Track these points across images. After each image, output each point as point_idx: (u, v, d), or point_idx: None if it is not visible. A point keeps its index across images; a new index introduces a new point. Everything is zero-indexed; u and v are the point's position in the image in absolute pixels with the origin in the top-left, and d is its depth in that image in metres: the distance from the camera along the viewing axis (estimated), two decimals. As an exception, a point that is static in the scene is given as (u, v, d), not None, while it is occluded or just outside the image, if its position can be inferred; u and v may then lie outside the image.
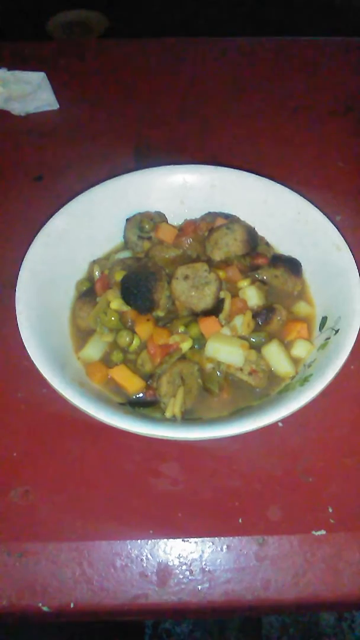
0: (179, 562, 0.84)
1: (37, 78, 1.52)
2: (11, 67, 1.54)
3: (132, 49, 1.69)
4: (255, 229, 1.10)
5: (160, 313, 0.99)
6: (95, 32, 3.28)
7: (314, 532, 0.85)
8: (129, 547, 0.84)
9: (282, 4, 3.33)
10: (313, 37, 1.74)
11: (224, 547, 0.84)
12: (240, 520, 0.86)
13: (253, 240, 1.07)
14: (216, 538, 0.85)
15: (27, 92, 1.50)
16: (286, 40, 1.73)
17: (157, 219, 1.10)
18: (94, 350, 0.97)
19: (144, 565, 0.84)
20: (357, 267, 0.96)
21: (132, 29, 3.13)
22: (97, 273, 1.05)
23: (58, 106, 1.50)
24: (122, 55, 1.67)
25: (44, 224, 1.02)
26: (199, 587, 0.83)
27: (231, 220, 1.09)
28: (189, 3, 3.34)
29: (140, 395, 0.94)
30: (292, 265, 1.05)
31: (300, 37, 1.74)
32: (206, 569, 0.83)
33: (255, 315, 0.98)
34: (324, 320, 0.98)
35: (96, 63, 1.64)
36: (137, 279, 0.97)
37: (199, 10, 3.33)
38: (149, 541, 0.85)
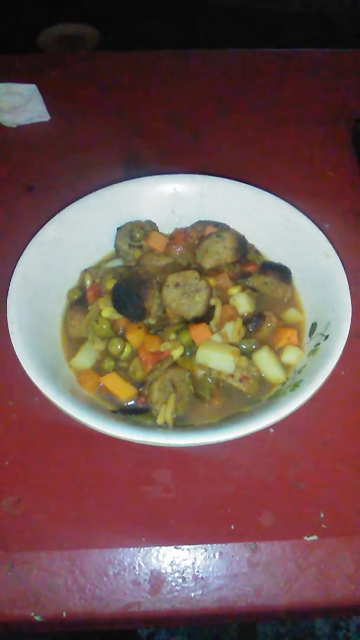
0: (172, 569, 0.84)
1: (29, 90, 1.53)
2: (2, 78, 1.55)
3: (122, 61, 1.70)
4: (245, 236, 1.11)
5: (151, 321, 0.99)
6: (87, 46, 3.29)
7: (306, 538, 0.85)
8: (122, 555, 0.84)
9: (273, 16, 3.37)
10: (302, 48, 1.77)
11: (217, 553, 0.84)
12: (232, 527, 0.86)
13: (243, 248, 1.08)
14: (208, 545, 0.85)
15: (18, 103, 1.51)
16: (276, 51, 1.75)
17: (147, 227, 1.11)
18: (85, 358, 0.98)
19: (137, 573, 0.83)
20: (346, 274, 0.97)
21: (124, 43, 3.16)
22: (88, 282, 1.06)
23: (49, 118, 1.51)
24: (112, 67, 1.68)
25: (36, 233, 1.03)
26: (192, 594, 0.82)
27: (221, 228, 1.10)
28: (180, 16, 3.38)
29: (132, 402, 0.94)
30: (281, 273, 1.06)
31: (290, 49, 1.76)
32: (199, 576, 0.83)
33: (246, 322, 0.99)
34: (314, 326, 0.99)
35: (87, 75, 1.65)
36: (128, 287, 0.97)
37: (190, 23, 3.36)
38: (142, 549, 0.85)
